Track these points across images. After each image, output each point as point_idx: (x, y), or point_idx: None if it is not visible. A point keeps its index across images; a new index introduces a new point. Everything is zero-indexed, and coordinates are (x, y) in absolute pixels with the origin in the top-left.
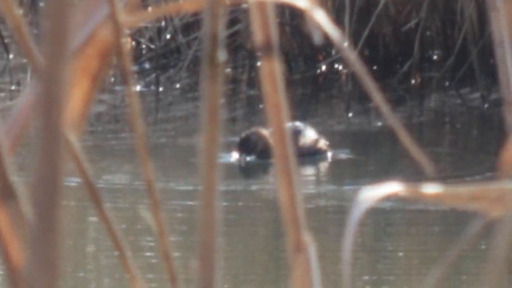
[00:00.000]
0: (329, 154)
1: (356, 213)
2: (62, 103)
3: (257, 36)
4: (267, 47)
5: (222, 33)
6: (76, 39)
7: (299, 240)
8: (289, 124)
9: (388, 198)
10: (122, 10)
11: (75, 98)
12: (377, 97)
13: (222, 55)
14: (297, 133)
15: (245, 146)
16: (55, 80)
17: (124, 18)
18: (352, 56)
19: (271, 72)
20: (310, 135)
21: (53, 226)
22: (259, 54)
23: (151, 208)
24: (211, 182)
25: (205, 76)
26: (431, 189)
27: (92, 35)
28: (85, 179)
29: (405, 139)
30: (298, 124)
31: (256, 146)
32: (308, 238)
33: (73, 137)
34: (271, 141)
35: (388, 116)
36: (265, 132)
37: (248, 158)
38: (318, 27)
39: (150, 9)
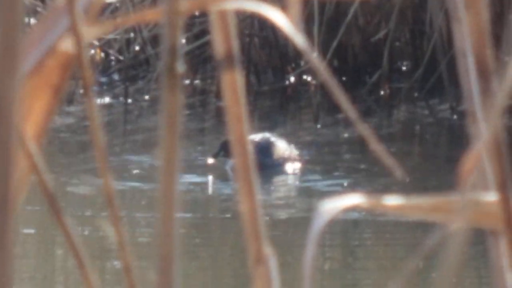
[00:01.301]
0: (299, 165)
1: (317, 224)
2: (14, 116)
3: (218, 47)
4: (229, 58)
5: (182, 44)
6: (36, 52)
7: (259, 251)
8: (260, 136)
9: (350, 209)
10: (83, 21)
11: (36, 110)
12: (346, 107)
13: (181, 66)
14: (270, 145)
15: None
16: (6, 92)
17: (85, 29)
18: (320, 66)
19: (233, 83)
20: (281, 146)
21: (5, 233)
22: (220, 65)
23: (111, 220)
24: (169, 194)
25: (164, 87)
26: (392, 200)
27: (53, 48)
28: (44, 190)
29: (375, 145)
30: (268, 135)
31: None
32: (268, 250)
33: (34, 148)
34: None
35: (358, 124)
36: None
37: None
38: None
39: (113, 20)
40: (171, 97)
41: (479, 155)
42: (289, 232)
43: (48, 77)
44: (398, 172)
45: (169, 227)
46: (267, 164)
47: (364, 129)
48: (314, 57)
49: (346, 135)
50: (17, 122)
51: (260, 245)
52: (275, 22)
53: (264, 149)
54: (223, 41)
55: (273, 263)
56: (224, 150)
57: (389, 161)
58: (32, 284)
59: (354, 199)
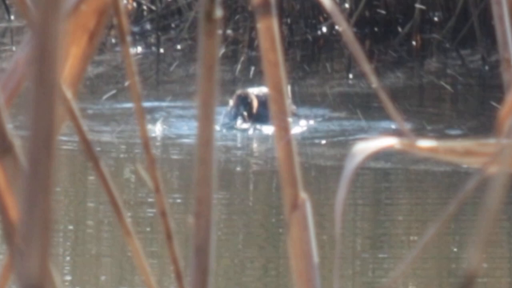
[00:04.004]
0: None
1: (350, 165)
2: (57, 58)
3: None
4: (265, 5)
5: None
6: None
7: (295, 197)
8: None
9: (384, 155)
10: None
11: (72, 55)
12: (362, 61)
13: (218, 11)
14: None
15: (244, 103)
16: (49, 35)
17: None
18: (342, 21)
19: (269, 30)
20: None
21: (46, 179)
22: (256, 12)
23: (147, 165)
24: (207, 138)
25: (201, 33)
26: (426, 142)
27: None
28: (81, 136)
29: (384, 99)
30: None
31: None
32: (304, 195)
33: (69, 94)
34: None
35: (371, 78)
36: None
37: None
38: None
39: None
40: (209, 42)
41: None
42: (322, 178)
43: (84, 21)
44: (406, 129)
45: (206, 172)
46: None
47: (376, 83)
48: (336, 12)
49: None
50: (59, 67)
51: (296, 190)
52: None
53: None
54: None
55: (308, 208)
56: (240, 103)
57: (397, 117)
58: (66, 235)
59: (387, 141)
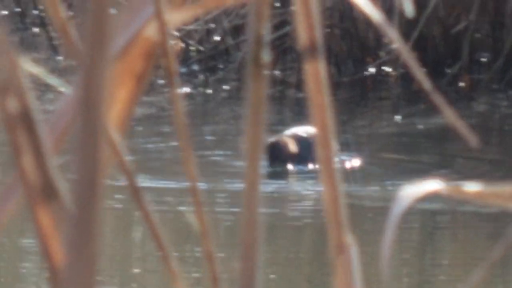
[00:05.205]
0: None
1: (397, 210)
2: (103, 101)
3: (302, 37)
4: (312, 48)
5: (267, 33)
6: (120, 39)
7: (341, 241)
8: (302, 129)
9: (430, 196)
10: (167, 8)
11: (119, 98)
12: (432, 94)
13: (267, 55)
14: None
15: (274, 153)
16: (96, 77)
17: (170, 16)
18: (405, 53)
19: (316, 72)
20: None
21: (92, 224)
22: (303, 55)
23: (194, 209)
24: (253, 182)
25: (249, 76)
26: (473, 187)
27: (137, 35)
28: (128, 178)
29: (448, 113)
30: (309, 127)
31: (282, 152)
32: (350, 239)
33: (117, 137)
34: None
35: (442, 107)
36: (287, 138)
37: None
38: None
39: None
40: (256, 86)
41: None
42: (369, 220)
43: (132, 64)
44: (473, 140)
45: (252, 215)
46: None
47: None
48: (398, 44)
49: (425, 126)
50: (104, 111)
51: (342, 233)
52: (363, 10)
53: (308, 141)
54: (306, 30)
55: (354, 251)
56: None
57: (463, 128)
58: (110, 265)
59: (434, 185)
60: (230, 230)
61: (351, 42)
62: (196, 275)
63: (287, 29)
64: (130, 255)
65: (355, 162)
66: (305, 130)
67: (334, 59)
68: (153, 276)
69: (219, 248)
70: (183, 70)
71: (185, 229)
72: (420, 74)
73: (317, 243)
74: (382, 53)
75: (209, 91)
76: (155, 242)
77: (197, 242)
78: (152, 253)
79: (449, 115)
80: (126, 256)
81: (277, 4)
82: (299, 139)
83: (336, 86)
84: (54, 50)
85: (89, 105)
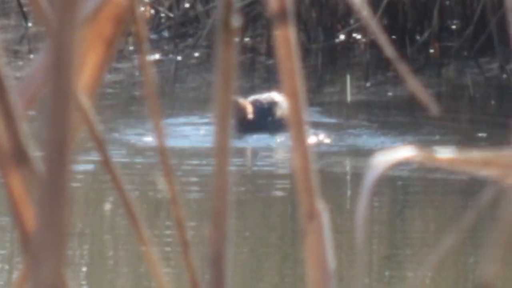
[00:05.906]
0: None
1: (370, 178)
2: (73, 66)
3: (272, 3)
4: (282, 14)
5: None
6: (90, 3)
7: (312, 207)
8: (266, 95)
9: (403, 163)
10: None
11: (89, 63)
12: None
13: (236, 21)
14: (273, 104)
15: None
16: (65, 42)
17: None
18: (371, 22)
19: (286, 39)
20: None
21: (61, 188)
22: (273, 21)
23: (164, 174)
24: (223, 147)
25: (219, 43)
26: (444, 153)
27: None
28: (97, 142)
29: (411, 81)
30: (274, 95)
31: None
32: (321, 205)
33: (86, 101)
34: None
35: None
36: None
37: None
38: None
39: None
40: (226, 52)
41: None
42: (341, 187)
43: (101, 29)
44: (434, 108)
45: (223, 182)
46: (276, 124)
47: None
48: (365, 14)
49: (395, 93)
50: (74, 75)
51: (313, 200)
52: None
53: (271, 109)
54: None
55: (325, 218)
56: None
57: (425, 96)
58: (82, 240)
59: (406, 152)
60: (198, 197)
61: (321, 9)
62: (168, 239)
63: None
64: (101, 231)
65: (322, 135)
66: (268, 96)
67: (304, 26)
68: (124, 238)
69: (190, 216)
70: (153, 36)
71: (155, 200)
72: (384, 41)
73: (286, 215)
74: (352, 20)
75: (179, 57)
76: (127, 213)
77: (167, 213)
78: (123, 225)
79: (412, 83)
80: (96, 217)
81: None
82: (257, 105)
83: (306, 53)
84: (24, 16)
85: (59, 70)
